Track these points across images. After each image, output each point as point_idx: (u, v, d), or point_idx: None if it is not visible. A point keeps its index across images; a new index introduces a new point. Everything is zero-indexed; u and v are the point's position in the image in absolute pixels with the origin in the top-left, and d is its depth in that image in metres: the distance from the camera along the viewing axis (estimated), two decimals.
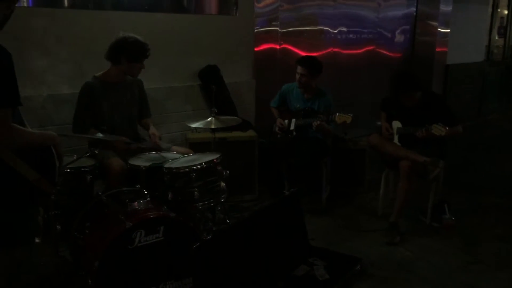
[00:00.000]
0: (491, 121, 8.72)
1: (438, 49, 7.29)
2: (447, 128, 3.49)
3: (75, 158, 2.80)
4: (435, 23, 7.14)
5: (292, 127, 4.29)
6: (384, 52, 6.92)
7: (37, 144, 2.03)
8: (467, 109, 8.21)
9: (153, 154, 3.35)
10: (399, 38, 7.10)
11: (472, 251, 3.48)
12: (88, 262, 2.52)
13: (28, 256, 2.85)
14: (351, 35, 6.38)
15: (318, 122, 3.99)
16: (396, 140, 3.96)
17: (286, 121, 4.34)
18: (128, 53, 3.27)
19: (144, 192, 2.83)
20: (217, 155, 3.11)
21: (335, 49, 6.23)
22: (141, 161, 3.17)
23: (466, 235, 3.74)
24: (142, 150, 3.38)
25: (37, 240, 2.74)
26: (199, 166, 2.95)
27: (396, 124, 4.00)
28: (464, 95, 8.02)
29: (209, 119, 3.44)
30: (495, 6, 8.75)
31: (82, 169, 2.94)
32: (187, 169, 2.93)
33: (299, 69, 4.19)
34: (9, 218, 1.96)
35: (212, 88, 3.93)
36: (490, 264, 3.30)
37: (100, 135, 2.93)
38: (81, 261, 2.74)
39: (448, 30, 7.27)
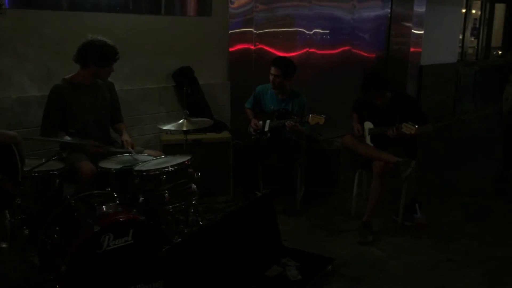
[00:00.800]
0: (465, 121, 8.87)
1: (412, 50, 7.38)
2: (417, 126, 3.53)
3: (43, 161, 2.75)
4: (409, 24, 7.23)
5: (266, 128, 4.29)
6: (360, 52, 6.98)
7: None
8: (441, 109, 8.34)
9: (125, 156, 3.32)
10: (374, 38, 7.17)
11: (443, 250, 3.53)
12: (56, 267, 2.48)
13: None
14: (326, 36, 6.42)
15: (292, 123, 4.01)
16: (368, 140, 4.00)
17: (261, 122, 4.35)
18: (96, 57, 3.22)
19: (114, 195, 2.79)
20: (188, 157, 3.09)
21: (311, 50, 6.26)
22: (112, 164, 3.13)
23: (437, 234, 3.80)
24: (114, 153, 3.35)
25: (4, 245, 2.71)
26: (169, 169, 2.93)
27: (368, 125, 4.04)
28: (438, 95, 8.14)
29: (181, 121, 3.42)
30: (468, 7, 8.91)
31: (51, 172, 2.89)
32: (157, 172, 2.91)
33: (273, 70, 4.20)
34: None
35: (185, 90, 3.91)
36: (460, 262, 3.35)
37: (68, 138, 2.88)
38: (49, 266, 2.69)
39: (422, 31, 7.37)
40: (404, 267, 3.27)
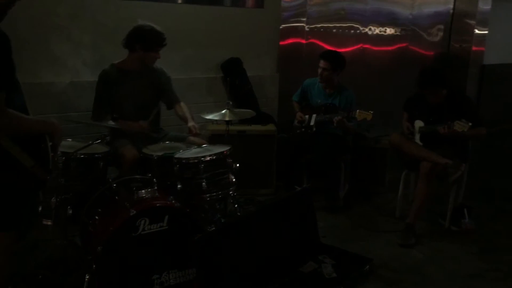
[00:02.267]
0: None
1: (474, 49, 7.04)
2: (470, 124, 3.37)
3: (87, 144, 2.84)
4: (472, 22, 6.89)
5: (312, 123, 4.24)
6: (417, 50, 6.74)
7: (36, 131, 2.03)
8: (504, 112, 7.90)
9: (168, 143, 3.38)
10: (433, 36, 6.90)
11: (490, 258, 3.36)
12: (93, 247, 2.56)
13: (36, 239, 2.95)
14: (382, 32, 6.24)
15: (339, 118, 3.93)
16: (417, 139, 3.86)
17: (307, 116, 4.30)
18: (143, 41, 3.31)
19: (153, 181, 2.85)
20: (227, 148, 3.10)
21: (365, 45, 6.10)
22: (154, 150, 3.20)
23: (484, 241, 3.62)
24: (157, 139, 3.42)
25: (48, 223, 2.82)
26: (207, 158, 2.95)
27: (419, 124, 3.90)
28: (501, 97, 7.72)
29: (224, 111, 3.43)
30: None
31: (96, 155, 2.98)
32: (196, 160, 2.93)
33: (322, 63, 4.13)
34: (9, 202, 2.00)
35: (232, 81, 3.92)
36: (508, 272, 3.18)
37: (111, 122, 2.97)
38: (88, 246, 2.79)
39: (486, 30, 7.01)
40: (445, 273, 3.14)
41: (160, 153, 3.12)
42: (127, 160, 3.11)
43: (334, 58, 4.14)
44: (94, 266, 2.48)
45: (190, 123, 3.47)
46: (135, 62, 3.42)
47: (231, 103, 3.54)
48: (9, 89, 1.83)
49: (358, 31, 5.97)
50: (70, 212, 2.83)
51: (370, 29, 6.09)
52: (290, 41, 5.08)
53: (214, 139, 3.99)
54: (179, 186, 2.95)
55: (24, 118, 1.95)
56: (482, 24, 6.95)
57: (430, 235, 3.70)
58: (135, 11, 3.95)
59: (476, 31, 6.92)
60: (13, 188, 1.95)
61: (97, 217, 2.77)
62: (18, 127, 1.92)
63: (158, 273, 2.62)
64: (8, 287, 2.32)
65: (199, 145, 3.32)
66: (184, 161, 2.96)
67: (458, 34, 7.05)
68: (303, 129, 4.27)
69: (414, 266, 3.22)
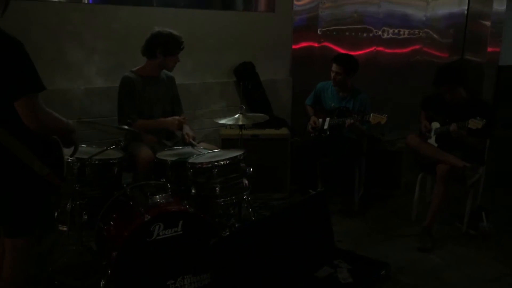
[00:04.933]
0: None
1: (490, 50, 6.95)
2: (484, 120, 3.32)
3: (101, 149, 2.85)
4: (487, 23, 6.82)
5: (326, 126, 4.21)
6: (432, 51, 6.67)
7: (61, 132, 2.08)
8: None
9: (182, 148, 3.39)
10: (448, 37, 6.83)
11: (508, 262, 3.29)
12: (109, 252, 2.57)
13: (52, 244, 2.97)
14: (396, 34, 6.19)
15: (351, 121, 3.90)
16: (433, 140, 3.81)
17: (320, 120, 4.27)
18: (163, 46, 3.35)
19: (167, 186, 2.85)
20: (241, 152, 3.09)
21: (379, 48, 6.06)
22: (168, 155, 3.21)
23: (503, 245, 3.54)
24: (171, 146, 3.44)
25: (64, 228, 2.84)
26: (221, 162, 2.95)
27: (435, 125, 3.85)
28: None
29: (237, 115, 3.43)
30: None
31: (111, 161, 2.99)
32: (210, 165, 2.93)
33: (334, 67, 4.11)
34: (25, 209, 2.01)
35: (245, 85, 3.91)
36: None
37: (125, 127, 2.98)
38: (103, 251, 2.80)
39: (502, 30, 6.92)
40: (464, 278, 3.08)
41: (174, 158, 3.12)
42: (142, 161, 3.13)
43: (347, 62, 4.11)
44: (109, 271, 2.49)
45: (185, 130, 3.53)
46: (155, 68, 3.47)
47: (244, 107, 3.53)
48: (39, 90, 1.87)
49: (371, 34, 5.94)
50: (85, 217, 2.87)
51: (383, 32, 6.05)
52: (302, 44, 5.07)
53: (227, 143, 3.99)
54: (193, 191, 2.95)
55: (58, 117, 2.00)
56: (497, 25, 6.87)
57: (448, 239, 3.64)
58: (147, 17, 3.99)
59: (492, 31, 6.83)
60: (28, 195, 1.97)
61: (112, 223, 2.78)
62: (54, 124, 1.98)
63: (173, 278, 2.62)
64: None
65: (212, 150, 3.33)
66: (197, 166, 2.96)
67: (473, 35, 6.97)
68: (317, 133, 4.25)
69: (432, 271, 3.17)
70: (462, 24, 6.94)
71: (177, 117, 3.51)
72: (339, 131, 4.15)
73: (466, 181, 3.65)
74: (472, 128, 3.38)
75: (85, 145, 3.18)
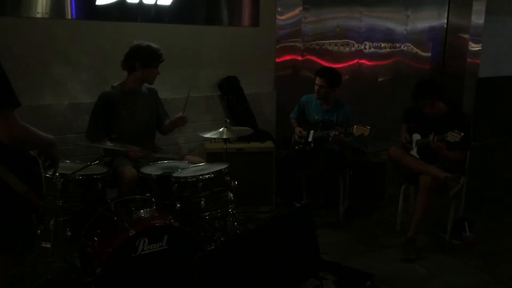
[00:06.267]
0: None
1: (469, 62, 7.10)
2: (462, 134, 3.39)
3: (85, 165, 2.84)
4: (466, 36, 6.97)
5: (310, 139, 4.25)
6: (413, 64, 6.80)
7: (38, 147, 2.05)
8: (501, 124, 7.93)
9: (166, 163, 3.39)
10: (428, 50, 6.96)
11: (492, 271, 3.33)
12: (93, 269, 2.55)
13: (35, 261, 2.93)
14: (377, 47, 6.30)
15: (335, 133, 3.94)
16: (414, 152, 3.87)
17: (305, 132, 4.31)
18: (142, 58, 3.35)
19: (152, 200, 2.85)
20: (225, 166, 3.10)
21: (361, 61, 6.16)
22: (153, 170, 3.21)
23: (487, 254, 3.59)
24: (156, 159, 3.43)
25: (47, 245, 2.81)
26: (206, 176, 2.95)
27: (416, 137, 3.91)
28: (498, 109, 7.75)
29: (221, 129, 3.45)
30: None
31: (94, 176, 2.97)
32: (194, 179, 2.94)
33: (318, 80, 4.16)
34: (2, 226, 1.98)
35: (229, 99, 3.94)
36: (509, 285, 3.16)
37: (110, 144, 2.97)
38: (87, 268, 2.77)
39: (480, 43, 7.08)
40: (448, 287, 3.11)
41: (158, 173, 3.12)
42: (127, 180, 3.11)
43: (330, 75, 4.17)
44: None
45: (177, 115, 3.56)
46: (135, 82, 3.46)
47: (228, 121, 3.56)
48: (13, 105, 1.84)
49: (353, 48, 6.04)
50: (69, 234, 2.83)
51: (365, 45, 6.15)
52: (286, 58, 5.12)
53: (212, 157, 4.00)
54: (178, 205, 2.95)
55: (34, 131, 1.95)
56: (476, 38, 7.02)
57: (431, 249, 3.68)
58: (132, 33, 3.98)
59: (471, 43, 6.98)
60: (6, 212, 1.94)
61: (96, 238, 2.76)
62: (30, 139, 1.93)
63: None
64: None
65: (197, 164, 3.33)
66: (182, 180, 2.97)
67: (452, 48, 7.12)
68: (301, 146, 4.28)
69: (416, 281, 3.20)
70: (442, 37, 7.10)
71: (137, 149, 3.37)
72: (323, 144, 4.19)
73: (448, 191, 3.70)
74: (450, 141, 3.45)
75: (68, 161, 3.16)
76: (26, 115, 2.08)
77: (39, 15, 3.63)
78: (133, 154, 3.29)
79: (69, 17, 3.78)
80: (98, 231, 2.78)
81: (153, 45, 3.40)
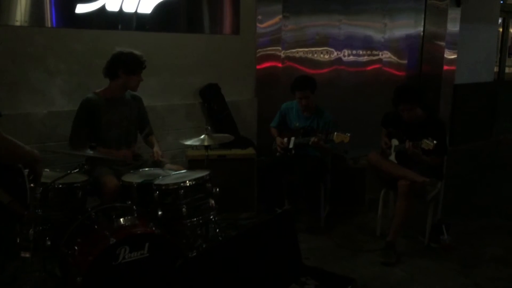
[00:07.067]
0: (503, 142, 8.56)
1: (445, 69, 7.24)
2: (435, 142, 3.46)
3: (65, 173, 2.82)
4: (442, 43, 7.11)
5: (291, 146, 4.28)
6: (391, 71, 6.91)
7: (25, 159, 2.00)
8: (477, 129, 8.10)
9: (147, 170, 3.38)
10: (405, 57, 7.09)
11: (470, 274, 3.40)
12: (73, 278, 2.52)
13: (15, 271, 2.89)
14: (356, 55, 6.39)
15: (315, 139, 3.99)
16: (393, 157, 3.94)
17: (286, 139, 4.34)
18: (125, 65, 3.34)
19: (133, 208, 2.84)
20: (207, 173, 3.11)
21: (340, 68, 6.24)
22: (134, 178, 3.20)
23: (464, 257, 3.66)
24: (138, 166, 3.42)
25: (26, 255, 2.77)
26: (187, 183, 2.96)
27: (394, 143, 3.98)
28: (473, 115, 7.92)
29: (202, 136, 3.46)
30: (506, 26, 8.69)
31: (74, 184, 2.96)
32: (175, 186, 2.94)
33: (299, 94, 4.18)
34: None
35: (210, 106, 3.95)
36: (488, 287, 3.22)
37: (89, 151, 2.96)
38: (68, 277, 2.75)
39: (456, 50, 7.23)
40: None
41: (139, 180, 3.11)
42: (108, 189, 3.09)
43: (308, 84, 4.19)
44: None
45: (155, 148, 3.59)
46: (118, 89, 3.45)
47: (209, 128, 3.58)
48: None
49: (333, 55, 6.12)
50: (49, 243, 2.80)
51: (344, 53, 6.24)
52: (266, 65, 5.16)
53: (194, 164, 4.00)
54: (159, 212, 2.94)
55: (18, 144, 1.92)
56: (452, 45, 7.18)
57: (411, 252, 3.73)
58: (110, 40, 3.98)
59: (447, 51, 7.13)
60: None
61: (76, 247, 2.73)
62: (13, 152, 1.90)
63: None
64: None
65: (178, 171, 3.34)
66: (163, 187, 2.97)
67: (429, 55, 7.25)
68: (282, 152, 4.31)
69: (397, 284, 3.25)
70: (419, 44, 7.23)
71: (126, 153, 3.45)
72: (304, 150, 4.23)
73: (426, 195, 3.77)
74: (425, 149, 3.52)
75: (48, 170, 3.13)
76: (4, 124, 2.06)
77: (18, 23, 3.61)
78: (120, 156, 3.29)
79: (49, 25, 3.76)
80: (79, 240, 2.75)
81: (136, 52, 3.40)
